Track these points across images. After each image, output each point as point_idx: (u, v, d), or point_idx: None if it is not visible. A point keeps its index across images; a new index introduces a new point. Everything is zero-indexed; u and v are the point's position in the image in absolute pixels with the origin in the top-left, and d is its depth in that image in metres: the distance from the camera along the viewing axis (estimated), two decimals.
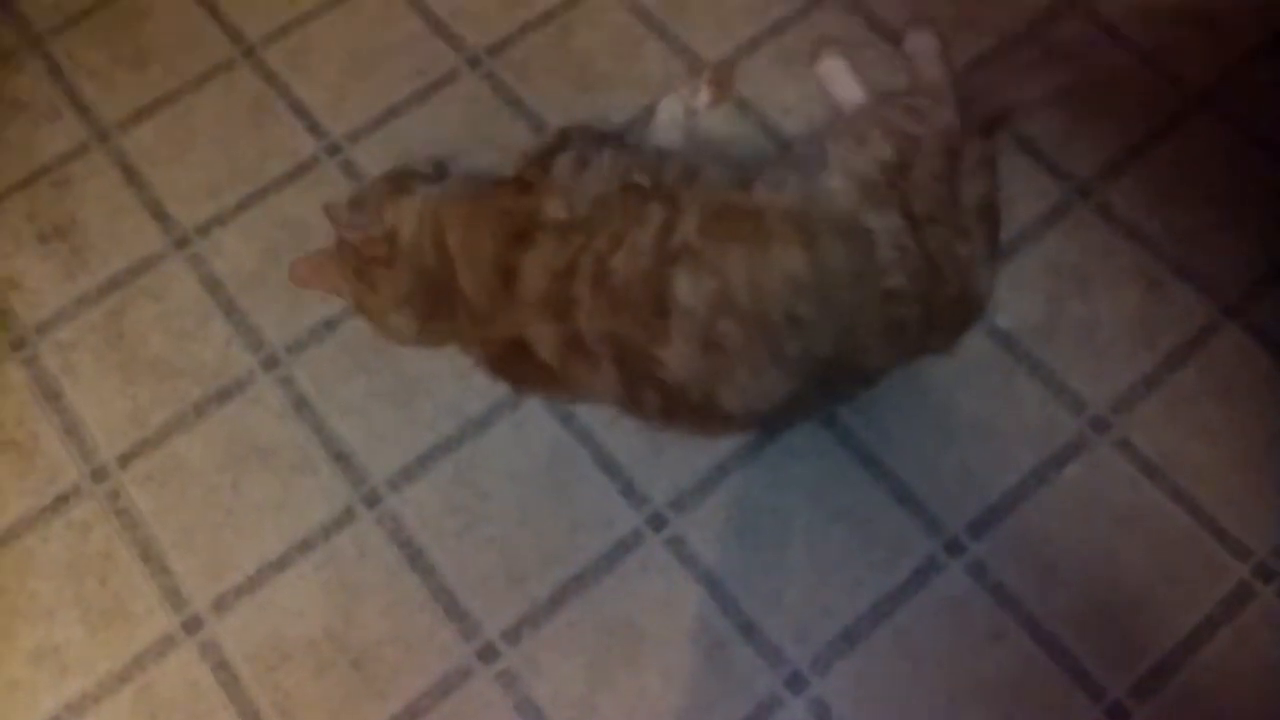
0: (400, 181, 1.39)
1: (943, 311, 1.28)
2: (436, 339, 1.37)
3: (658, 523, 1.31)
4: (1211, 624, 1.23)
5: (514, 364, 1.31)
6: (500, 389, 1.37)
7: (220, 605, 1.29)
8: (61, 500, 1.35)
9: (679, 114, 1.52)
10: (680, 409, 1.25)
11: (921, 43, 1.56)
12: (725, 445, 1.34)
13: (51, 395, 1.41)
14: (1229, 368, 1.36)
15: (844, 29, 1.62)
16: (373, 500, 1.34)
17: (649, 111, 1.55)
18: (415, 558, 1.31)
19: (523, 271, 1.25)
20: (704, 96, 1.54)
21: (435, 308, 1.34)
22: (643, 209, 1.24)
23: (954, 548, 1.28)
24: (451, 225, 1.30)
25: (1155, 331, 1.39)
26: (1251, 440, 1.32)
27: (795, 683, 1.23)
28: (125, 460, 1.37)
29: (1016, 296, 1.40)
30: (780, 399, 1.24)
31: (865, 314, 1.23)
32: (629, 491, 1.33)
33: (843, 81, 1.55)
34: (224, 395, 1.41)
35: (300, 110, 1.60)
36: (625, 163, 1.32)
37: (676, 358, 1.20)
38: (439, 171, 1.46)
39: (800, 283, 1.20)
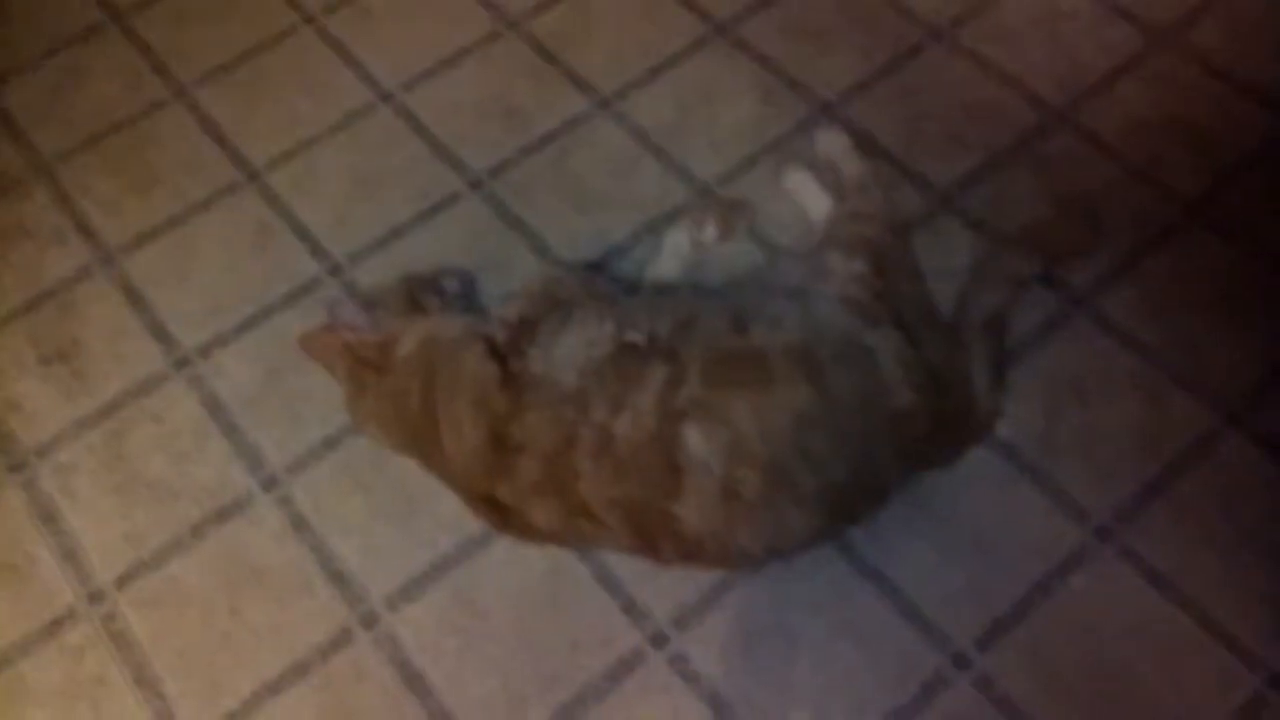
0: (417, 297, 1.40)
1: (949, 424, 1.28)
2: (417, 461, 1.37)
3: (659, 640, 1.29)
4: None
5: (507, 524, 1.30)
6: None
7: None
8: (56, 624, 1.34)
9: (685, 246, 1.53)
10: (699, 554, 1.24)
11: (831, 141, 1.61)
12: None
13: (48, 518, 1.41)
14: (1233, 474, 1.35)
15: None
16: (370, 621, 1.32)
17: (654, 244, 1.56)
18: (413, 679, 1.28)
19: (514, 460, 1.23)
20: (710, 230, 1.54)
21: (415, 445, 1.34)
22: (641, 370, 1.23)
23: (961, 662, 1.26)
24: (440, 383, 1.29)
25: (1157, 439, 1.38)
26: (1259, 547, 1.30)
27: None
28: (122, 583, 1.36)
29: (1016, 406, 1.39)
30: (801, 534, 1.24)
31: (877, 437, 1.23)
32: (630, 608, 1.31)
33: (811, 192, 1.57)
34: (222, 516, 1.40)
35: (303, 233, 1.62)
36: (614, 320, 1.29)
37: (693, 512, 1.19)
38: (464, 288, 1.48)
39: (810, 418, 1.20)
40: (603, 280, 1.46)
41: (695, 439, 1.18)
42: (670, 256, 1.52)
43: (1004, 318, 1.41)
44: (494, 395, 1.25)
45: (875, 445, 1.23)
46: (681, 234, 1.54)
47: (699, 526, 1.20)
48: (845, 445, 1.21)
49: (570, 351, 1.26)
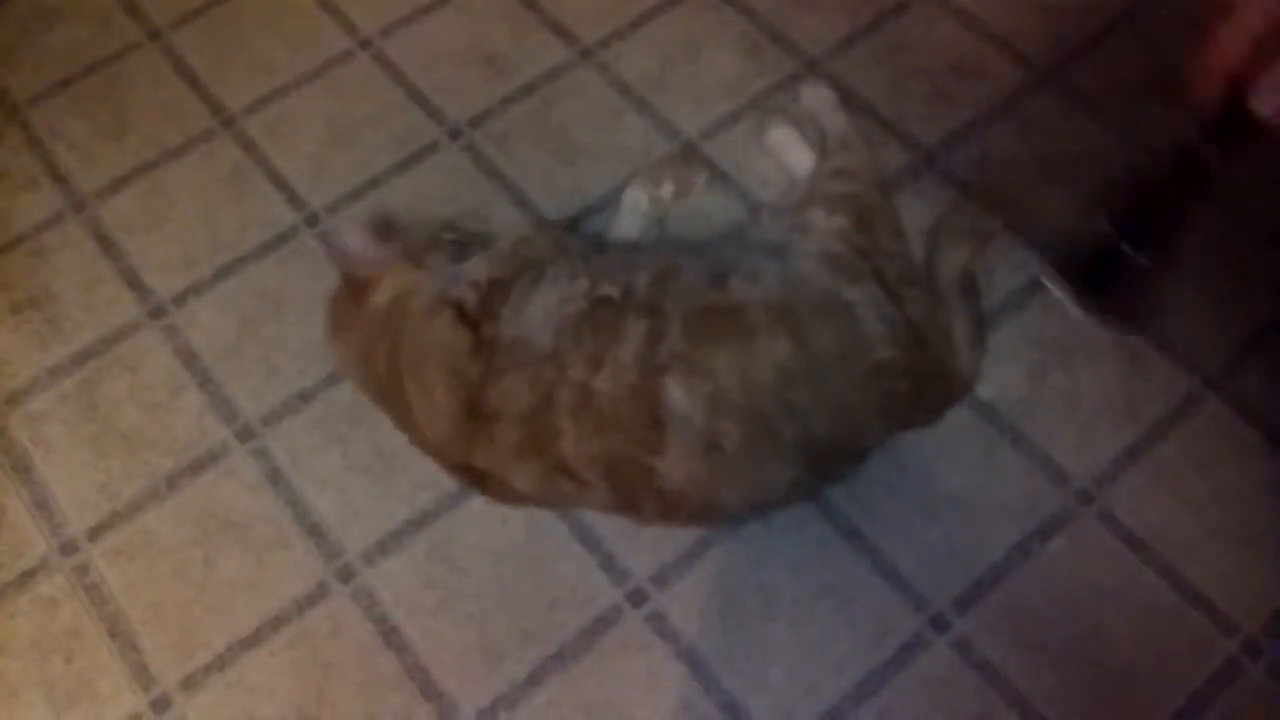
0: (421, 249, 1.35)
1: (930, 383, 1.27)
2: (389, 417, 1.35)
3: (638, 598, 1.29)
4: (1200, 702, 1.21)
5: (485, 488, 1.29)
6: None
7: (189, 684, 1.26)
8: (28, 575, 1.32)
9: (643, 203, 1.51)
10: (680, 511, 1.23)
11: (817, 97, 1.58)
12: None
13: (21, 467, 1.39)
14: (1212, 439, 1.36)
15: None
16: (347, 575, 1.31)
17: (615, 202, 1.54)
18: (389, 635, 1.28)
19: (490, 426, 1.21)
20: (668, 187, 1.52)
21: (384, 404, 1.32)
22: (619, 324, 1.21)
23: (939, 624, 1.26)
24: (406, 352, 1.27)
25: (1137, 403, 1.38)
26: (1236, 512, 1.31)
27: None
28: (95, 534, 1.35)
29: (998, 368, 1.39)
30: (781, 488, 1.23)
31: (857, 391, 1.22)
32: (609, 566, 1.31)
33: (794, 148, 1.55)
34: (197, 468, 1.39)
35: (279, 181, 1.60)
36: (588, 276, 1.27)
37: (675, 466, 1.18)
38: (473, 241, 1.41)
39: (790, 371, 1.19)
40: (573, 237, 1.44)
41: (677, 393, 1.17)
42: (629, 214, 1.50)
43: (973, 274, 1.40)
44: (466, 362, 1.22)
45: (855, 399, 1.22)
46: (638, 191, 1.51)
47: (681, 481, 1.19)
48: (825, 398, 1.20)
49: (544, 310, 1.24)
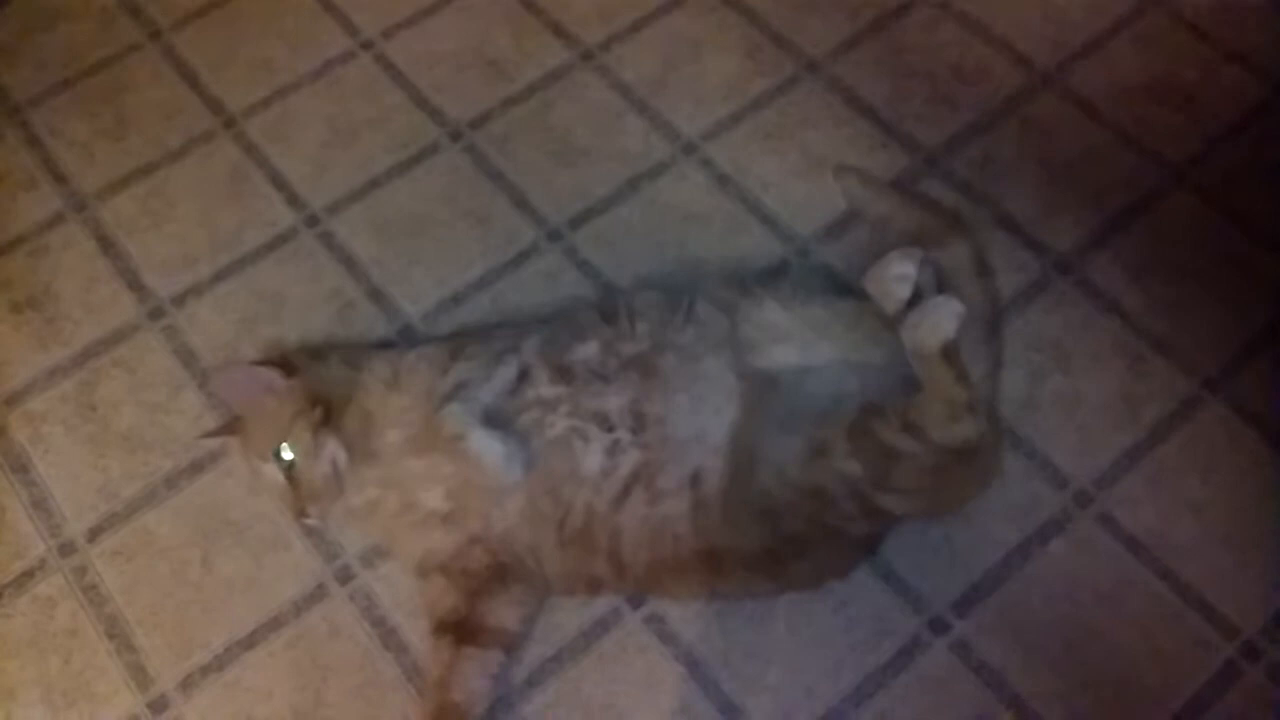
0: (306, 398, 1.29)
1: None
2: None
3: (637, 600, 1.29)
4: (1199, 704, 1.21)
5: None
6: None
7: (187, 684, 1.26)
8: (27, 575, 1.32)
9: None
10: None
11: (945, 317, 1.20)
12: None
13: (19, 467, 1.39)
14: (1211, 442, 1.35)
15: (823, 107, 1.63)
16: (345, 577, 1.31)
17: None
18: (388, 636, 1.28)
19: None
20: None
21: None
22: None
23: (938, 626, 1.26)
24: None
25: (1137, 405, 1.38)
26: (1236, 515, 1.31)
27: None
28: (94, 534, 1.35)
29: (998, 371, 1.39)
30: None
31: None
32: None
33: (902, 288, 1.26)
34: (196, 468, 1.38)
35: (279, 181, 1.60)
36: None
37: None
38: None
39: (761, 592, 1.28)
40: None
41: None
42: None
43: (1001, 310, 1.36)
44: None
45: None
46: None
47: None
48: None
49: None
